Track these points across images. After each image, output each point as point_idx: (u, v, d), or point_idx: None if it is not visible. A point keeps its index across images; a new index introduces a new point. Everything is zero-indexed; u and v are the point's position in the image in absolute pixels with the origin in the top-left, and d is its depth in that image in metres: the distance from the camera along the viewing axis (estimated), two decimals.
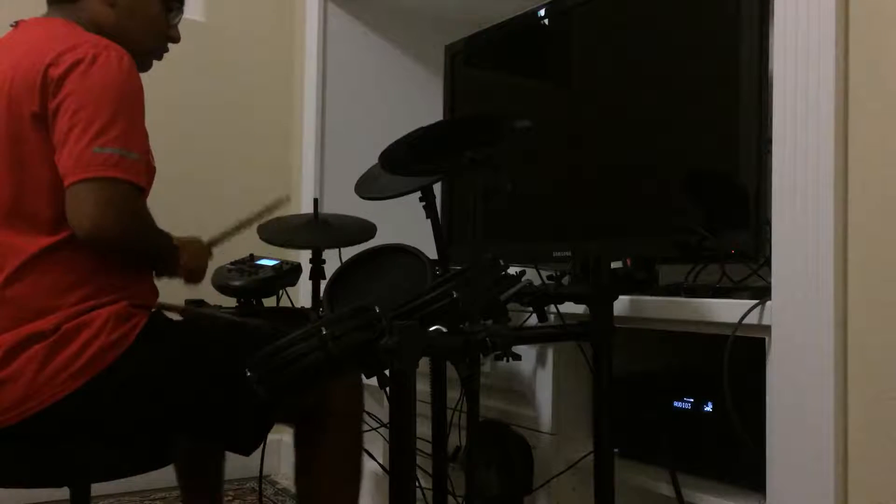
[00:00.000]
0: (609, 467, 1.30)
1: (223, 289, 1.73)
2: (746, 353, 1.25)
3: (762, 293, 1.26)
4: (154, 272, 1.48)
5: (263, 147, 2.81)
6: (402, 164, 1.30)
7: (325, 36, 2.68)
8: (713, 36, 1.47)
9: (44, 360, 1.23)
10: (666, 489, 1.39)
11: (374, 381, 1.01)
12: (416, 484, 1.08)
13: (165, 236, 1.44)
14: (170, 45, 1.56)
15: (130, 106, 1.30)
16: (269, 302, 1.82)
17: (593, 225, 1.68)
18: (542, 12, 1.82)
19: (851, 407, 1.14)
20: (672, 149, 1.53)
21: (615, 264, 1.48)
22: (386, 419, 1.55)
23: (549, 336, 1.46)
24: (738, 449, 1.28)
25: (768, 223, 1.25)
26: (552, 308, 1.41)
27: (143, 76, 1.41)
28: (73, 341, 1.25)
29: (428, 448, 1.43)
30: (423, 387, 1.24)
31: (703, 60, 1.49)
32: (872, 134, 1.13)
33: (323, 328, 0.97)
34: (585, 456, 1.51)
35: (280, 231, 1.83)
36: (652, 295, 1.43)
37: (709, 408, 1.41)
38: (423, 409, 1.26)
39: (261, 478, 2.07)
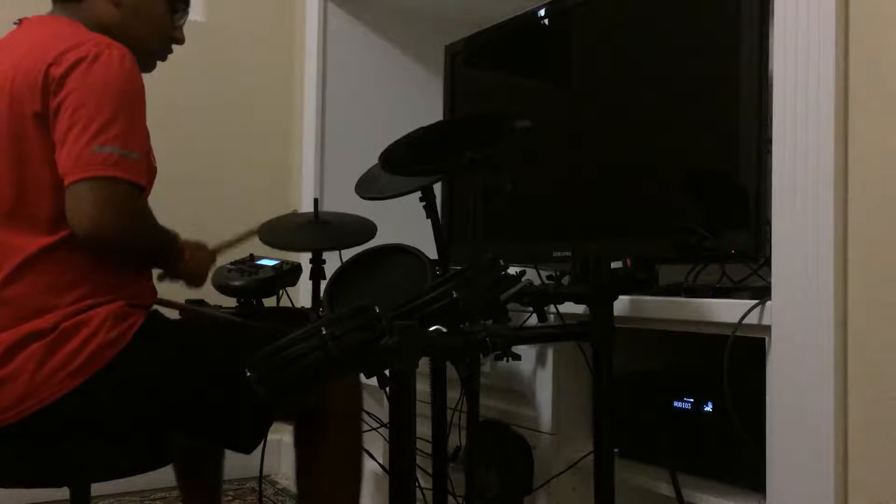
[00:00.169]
0: (609, 467, 1.30)
1: (223, 289, 1.73)
2: (746, 353, 1.25)
3: (762, 293, 1.26)
4: (156, 273, 1.48)
5: (263, 147, 2.81)
6: (402, 164, 1.30)
7: (325, 36, 2.68)
8: (713, 36, 1.47)
9: (42, 358, 1.23)
10: (666, 489, 1.39)
11: (374, 381, 1.01)
12: (416, 484, 1.08)
13: (168, 234, 1.44)
14: (173, 47, 1.56)
15: (131, 105, 1.30)
16: (269, 302, 1.82)
17: (593, 225, 1.68)
18: (542, 12, 1.82)
19: (851, 407, 1.14)
20: (672, 149, 1.53)
21: (615, 264, 1.48)
22: (386, 419, 1.55)
23: (549, 336, 1.46)
24: (738, 449, 1.28)
25: (768, 223, 1.25)
26: (552, 308, 1.41)
27: (144, 76, 1.40)
28: (72, 340, 1.25)
29: (428, 448, 1.43)
30: (423, 387, 1.24)
31: (703, 60, 1.49)
32: (872, 134, 1.13)
33: (323, 328, 0.97)
34: (585, 456, 1.51)
35: (280, 232, 1.83)
36: (652, 295, 1.43)
37: (709, 408, 1.41)
38: (423, 409, 1.26)
39: (261, 478, 2.06)
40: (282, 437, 2.59)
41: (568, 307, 1.43)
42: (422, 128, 1.20)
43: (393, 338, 0.97)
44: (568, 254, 1.67)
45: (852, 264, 1.15)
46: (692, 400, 1.44)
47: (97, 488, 1.46)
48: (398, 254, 1.43)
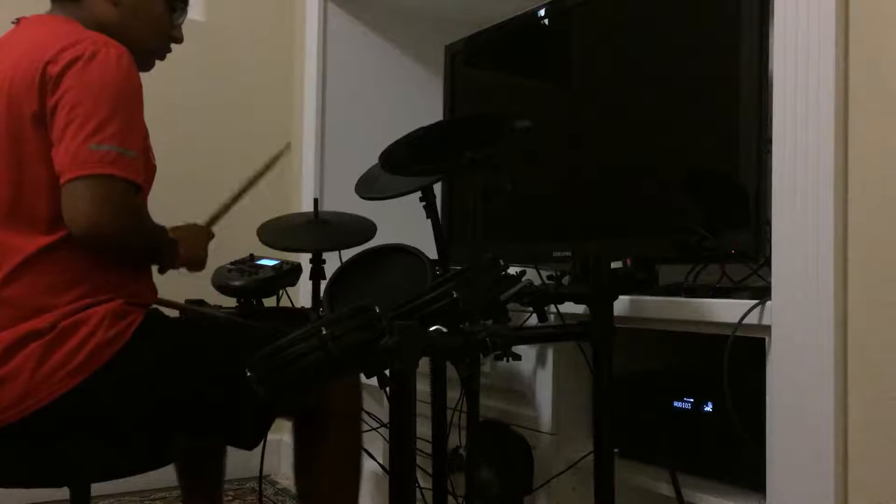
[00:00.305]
0: (609, 467, 1.30)
1: (223, 289, 1.73)
2: (746, 353, 1.25)
3: (762, 293, 1.26)
4: (155, 268, 1.48)
5: (263, 147, 2.80)
6: (402, 164, 1.30)
7: (325, 36, 2.68)
8: (713, 36, 1.47)
9: (41, 357, 1.23)
10: (666, 489, 1.39)
11: (374, 381, 1.01)
12: (416, 484, 1.08)
13: (161, 232, 1.44)
14: (172, 46, 1.56)
15: (129, 104, 1.30)
16: (269, 302, 1.82)
17: (593, 225, 1.68)
18: (542, 12, 1.82)
19: (851, 407, 1.14)
20: (672, 149, 1.53)
21: (615, 264, 1.48)
22: (386, 419, 1.55)
23: (549, 336, 1.46)
24: (738, 449, 1.28)
25: (768, 223, 1.25)
26: (552, 308, 1.41)
27: (143, 76, 1.40)
28: (70, 339, 1.25)
29: (428, 448, 1.43)
30: (423, 387, 1.24)
31: (703, 60, 1.49)
32: (872, 134, 1.13)
33: (323, 328, 0.97)
34: (585, 456, 1.51)
35: (280, 232, 1.83)
36: (652, 295, 1.43)
37: (709, 408, 1.41)
38: (423, 409, 1.25)
39: (261, 478, 2.07)
40: (282, 437, 2.59)
41: (568, 307, 1.43)
42: (422, 128, 1.20)
43: (393, 338, 0.97)
44: (568, 254, 1.67)
45: (852, 264, 1.15)
46: (692, 400, 1.44)
47: (97, 488, 1.46)
48: (398, 254, 1.43)
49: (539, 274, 1.47)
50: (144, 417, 1.31)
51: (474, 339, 1.07)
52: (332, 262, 1.69)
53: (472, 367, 1.19)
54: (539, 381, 1.63)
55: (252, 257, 1.80)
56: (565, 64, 1.81)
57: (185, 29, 1.57)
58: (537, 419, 1.63)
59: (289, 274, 1.77)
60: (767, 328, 1.23)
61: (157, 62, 1.55)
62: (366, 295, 1.41)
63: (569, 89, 1.81)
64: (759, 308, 1.24)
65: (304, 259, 1.86)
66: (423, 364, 1.08)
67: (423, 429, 1.21)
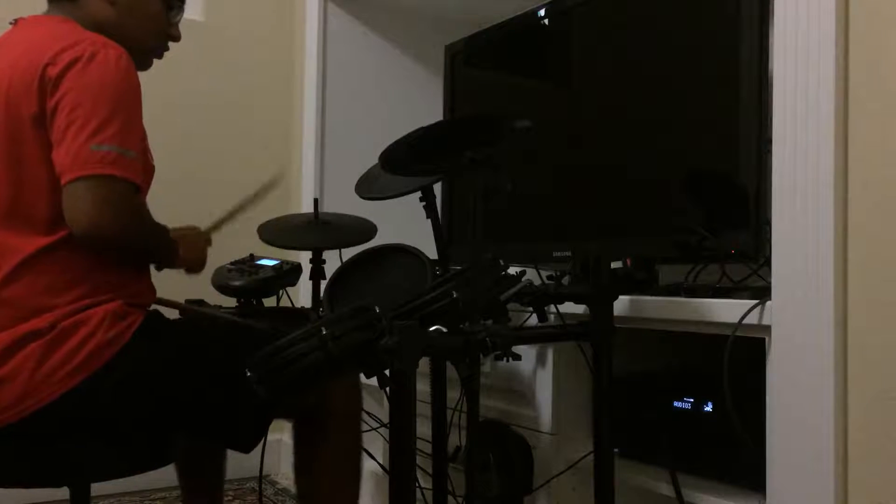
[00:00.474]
0: (609, 467, 1.30)
1: (223, 289, 1.73)
2: (746, 353, 1.25)
3: (762, 293, 1.26)
4: (154, 267, 1.48)
5: (263, 147, 2.81)
6: (402, 164, 1.30)
7: (325, 36, 2.68)
8: (713, 36, 1.47)
9: (41, 357, 1.23)
10: (666, 489, 1.39)
11: (374, 381, 1.01)
12: (416, 484, 1.08)
13: (163, 231, 1.44)
14: (170, 45, 1.56)
15: (128, 104, 1.30)
16: (269, 302, 1.82)
17: (593, 225, 1.68)
18: (542, 12, 1.82)
19: (851, 407, 1.14)
20: (672, 149, 1.53)
21: (615, 264, 1.48)
22: (386, 419, 1.55)
23: (549, 336, 1.46)
24: (738, 449, 1.28)
25: (768, 223, 1.25)
26: (552, 308, 1.41)
27: (143, 76, 1.40)
28: (70, 339, 1.25)
29: (428, 448, 1.43)
30: (423, 387, 1.24)
31: (702, 60, 1.49)
32: (872, 134, 1.13)
33: (323, 328, 0.97)
34: (585, 456, 1.51)
35: (280, 232, 1.83)
36: (652, 295, 1.43)
37: (709, 408, 1.41)
38: (423, 409, 1.25)
39: (261, 478, 2.07)
40: (282, 437, 2.59)
41: (568, 307, 1.43)
42: (422, 128, 1.20)
43: (393, 338, 0.97)
44: (568, 254, 1.67)
45: (852, 264, 1.15)
46: (692, 400, 1.44)
47: (97, 488, 1.46)
48: (398, 254, 1.43)
49: (539, 274, 1.47)
50: (144, 418, 1.31)
51: (474, 339, 1.07)
52: (332, 262, 1.69)
53: (472, 367, 1.19)
54: (539, 381, 1.63)
55: (252, 257, 1.80)
56: (565, 64, 1.81)
57: (185, 29, 1.57)
58: (537, 419, 1.63)
59: (289, 274, 1.77)
60: (767, 328, 1.23)
61: (157, 62, 1.55)
62: (366, 295, 1.41)
63: (569, 89, 1.81)
64: (759, 308, 1.24)
65: (304, 259, 1.86)
66: (423, 364, 1.08)
67: (423, 429, 1.21)
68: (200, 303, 1.74)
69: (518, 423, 1.66)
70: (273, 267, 1.76)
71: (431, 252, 1.46)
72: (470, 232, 1.23)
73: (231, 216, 1.71)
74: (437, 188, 1.58)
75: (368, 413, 1.78)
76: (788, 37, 1.22)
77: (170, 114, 2.52)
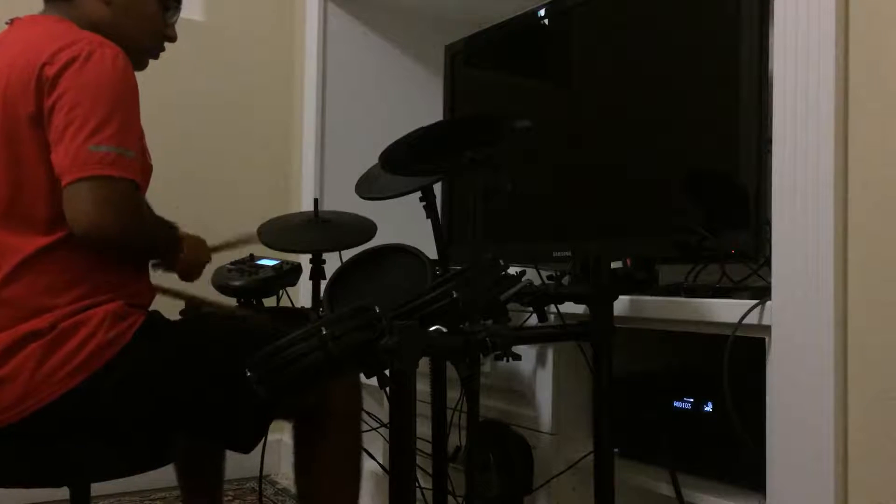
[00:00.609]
0: (609, 467, 1.30)
1: (223, 289, 1.73)
2: (746, 353, 1.25)
3: (762, 293, 1.26)
4: (152, 264, 1.48)
5: (263, 147, 2.81)
6: (402, 164, 1.30)
7: (325, 36, 2.68)
8: (713, 36, 1.47)
9: (41, 357, 1.23)
10: (666, 489, 1.39)
11: (374, 381, 1.01)
12: (416, 484, 1.08)
13: (167, 227, 1.44)
14: (168, 45, 1.56)
15: (126, 104, 1.30)
16: (269, 302, 1.82)
17: (593, 225, 1.68)
18: (542, 12, 1.82)
19: (851, 407, 1.14)
20: (672, 149, 1.53)
21: (615, 264, 1.48)
22: (386, 419, 1.55)
23: (549, 336, 1.46)
24: (738, 449, 1.28)
25: (768, 223, 1.25)
26: (552, 308, 1.41)
27: (143, 76, 1.40)
28: (70, 339, 1.25)
29: (428, 448, 1.43)
30: (423, 387, 1.24)
31: (702, 60, 1.49)
32: (872, 134, 1.13)
33: (323, 328, 0.97)
34: (585, 456, 1.51)
35: (280, 232, 1.83)
36: (652, 295, 1.43)
37: (709, 408, 1.41)
38: (423, 409, 1.25)
39: (261, 478, 2.07)
40: (282, 438, 2.59)
41: (568, 307, 1.43)
42: (422, 128, 1.20)
43: (393, 338, 0.97)
44: (568, 254, 1.67)
45: (852, 264, 1.15)
46: (692, 400, 1.44)
47: (97, 488, 1.46)
48: (398, 254, 1.43)
49: (539, 274, 1.47)
50: (144, 418, 1.31)
51: (474, 339, 1.07)
52: (332, 262, 1.69)
53: (472, 367, 1.19)
54: (539, 381, 1.63)
55: (252, 257, 1.80)
56: (565, 64, 1.81)
57: (185, 29, 1.57)
58: (537, 419, 1.63)
59: (289, 274, 1.77)
60: (767, 328, 1.23)
61: (158, 62, 1.55)
62: (366, 295, 1.41)
63: (569, 89, 1.81)
64: (759, 308, 1.24)
65: (304, 259, 1.86)
66: (423, 364, 1.08)
67: (423, 429, 1.21)
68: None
69: (518, 423, 1.66)
70: (273, 267, 1.76)
71: (431, 252, 1.46)
72: (470, 232, 1.23)
73: (237, 244, 1.71)
74: (437, 188, 1.58)
75: (368, 413, 1.78)
76: (788, 37, 1.22)
77: (170, 114, 2.51)
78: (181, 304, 1.70)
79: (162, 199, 1.54)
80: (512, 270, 1.19)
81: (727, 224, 1.39)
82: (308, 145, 2.70)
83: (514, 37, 1.92)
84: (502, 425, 1.68)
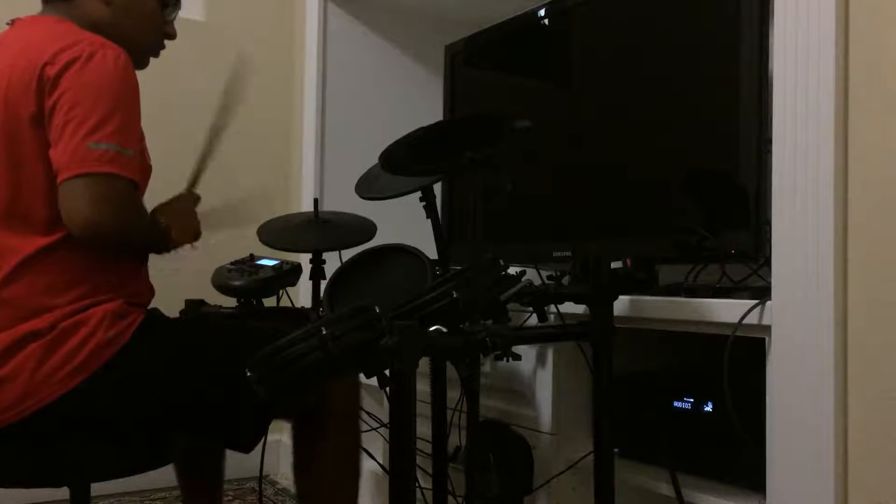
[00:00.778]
0: (609, 467, 1.30)
1: (223, 289, 1.73)
2: (746, 353, 1.25)
3: (762, 293, 1.26)
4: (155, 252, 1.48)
5: (263, 147, 2.81)
6: (402, 164, 1.30)
7: (325, 36, 2.68)
8: (713, 36, 1.47)
9: (41, 357, 1.23)
10: (666, 489, 1.39)
11: (374, 381, 1.01)
12: (416, 484, 1.08)
13: (157, 225, 1.43)
14: (169, 44, 1.56)
15: (126, 104, 1.30)
16: (269, 302, 1.82)
17: (593, 225, 1.68)
18: (542, 12, 1.82)
19: (851, 407, 1.14)
20: (672, 149, 1.53)
21: (615, 264, 1.48)
22: (386, 419, 1.55)
23: (549, 336, 1.46)
24: (738, 449, 1.28)
25: (768, 223, 1.25)
26: (552, 308, 1.41)
27: (144, 75, 1.40)
28: (70, 339, 1.25)
29: (428, 448, 1.43)
30: (423, 387, 1.24)
31: (702, 60, 1.49)
32: (872, 134, 1.13)
33: (323, 328, 0.97)
34: (585, 456, 1.51)
35: (280, 232, 1.83)
36: (652, 295, 1.43)
37: (709, 408, 1.41)
38: (423, 409, 1.25)
39: (261, 478, 2.07)
40: (281, 438, 2.59)
41: (568, 307, 1.43)
42: (422, 128, 1.20)
43: (393, 338, 0.96)
44: (568, 254, 1.67)
45: (852, 264, 1.15)
46: (692, 400, 1.44)
47: (97, 488, 1.46)
48: (398, 254, 1.43)
49: (539, 274, 1.47)
50: (144, 417, 1.31)
51: (474, 339, 1.07)
52: (332, 262, 1.69)
53: (472, 367, 1.19)
54: (539, 381, 1.63)
55: (252, 257, 1.80)
56: (565, 64, 1.81)
57: (185, 28, 1.57)
58: (537, 419, 1.63)
59: (289, 274, 1.77)
60: (767, 328, 1.23)
61: (159, 62, 1.56)
62: (366, 295, 1.40)
63: (569, 89, 1.81)
64: (759, 308, 1.24)
65: (304, 259, 1.86)
66: (423, 364, 1.08)
67: (423, 429, 1.21)
68: (201, 303, 1.74)
69: (518, 423, 1.66)
70: (273, 267, 1.76)
71: (431, 252, 1.45)
72: (470, 232, 1.23)
73: (203, 162, 1.69)
74: (437, 188, 1.57)
75: (368, 413, 1.78)
76: (788, 37, 1.21)
77: (170, 113, 2.51)
78: (181, 305, 1.71)
79: (162, 199, 1.54)
80: (512, 270, 1.19)
81: (727, 224, 1.39)
82: (308, 145, 2.70)
83: (514, 37, 1.92)
84: (502, 425, 1.68)
